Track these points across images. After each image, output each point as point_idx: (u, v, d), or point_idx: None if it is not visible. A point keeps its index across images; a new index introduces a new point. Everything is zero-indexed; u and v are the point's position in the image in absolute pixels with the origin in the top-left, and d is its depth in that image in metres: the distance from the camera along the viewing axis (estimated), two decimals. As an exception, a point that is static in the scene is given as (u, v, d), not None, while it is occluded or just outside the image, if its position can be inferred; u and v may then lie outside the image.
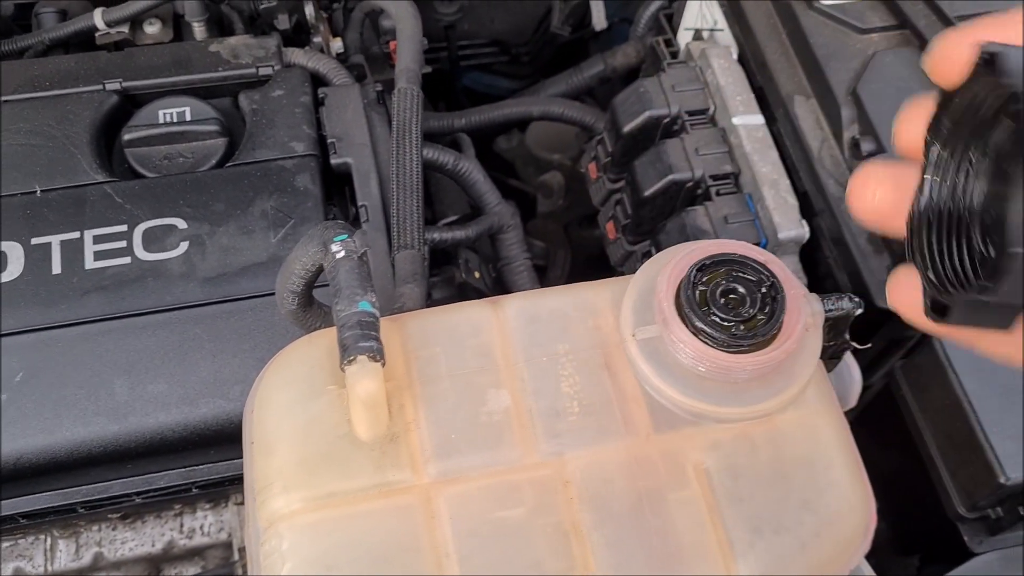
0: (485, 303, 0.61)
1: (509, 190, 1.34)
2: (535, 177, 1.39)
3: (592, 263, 1.24)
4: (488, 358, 0.57)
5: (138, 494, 0.82)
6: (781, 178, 0.82)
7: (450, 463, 0.54)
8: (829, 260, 0.82)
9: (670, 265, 0.57)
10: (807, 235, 0.81)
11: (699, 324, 0.54)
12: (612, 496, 0.53)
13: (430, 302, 0.97)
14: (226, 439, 0.76)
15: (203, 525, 0.95)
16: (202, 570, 0.95)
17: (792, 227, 0.80)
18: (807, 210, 0.82)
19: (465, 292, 0.97)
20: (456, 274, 0.96)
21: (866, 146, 0.78)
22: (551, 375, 0.57)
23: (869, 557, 0.63)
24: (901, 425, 0.73)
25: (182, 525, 0.95)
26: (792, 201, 0.81)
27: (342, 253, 0.58)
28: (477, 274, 0.95)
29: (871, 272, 0.77)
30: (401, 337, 0.58)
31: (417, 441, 0.54)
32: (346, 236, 0.59)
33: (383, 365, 0.54)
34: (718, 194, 0.83)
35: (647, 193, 0.85)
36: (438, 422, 0.55)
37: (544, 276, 1.21)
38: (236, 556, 0.93)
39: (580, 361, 0.57)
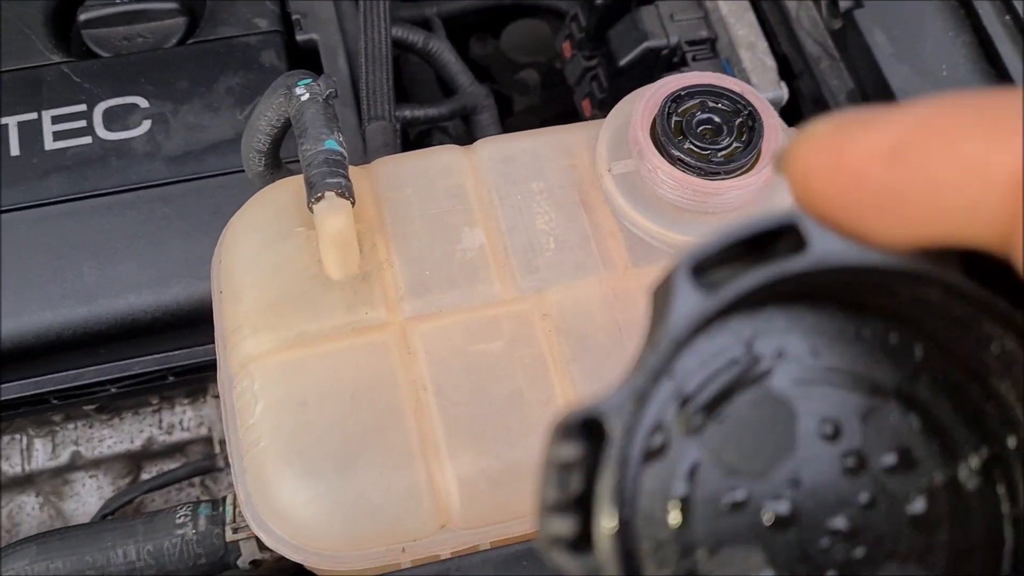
0: (456, 148, 0.59)
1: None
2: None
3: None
4: (461, 198, 0.56)
5: (112, 382, 0.80)
6: (759, 40, 0.80)
7: (425, 300, 0.53)
8: (809, 123, 0.80)
9: (644, 98, 0.55)
10: (786, 96, 0.79)
11: (675, 152, 0.53)
12: (591, 328, 0.52)
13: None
14: (201, 321, 0.74)
15: (182, 420, 0.94)
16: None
17: (770, 88, 0.78)
18: (787, 74, 0.81)
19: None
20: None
21: (844, 2, 0.76)
22: (526, 213, 0.55)
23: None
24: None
25: (161, 421, 0.94)
26: (770, 63, 0.80)
27: (306, 96, 0.56)
28: (452, 157, 0.93)
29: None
30: (370, 181, 0.57)
31: (391, 279, 0.53)
32: (310, 80, 0.57)
33: (352, 203, 0.52)
34: (695, 59, 0.81)
35: (623, 62, 0.83)
36: (411, 260, 0.54)
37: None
38: (217, 450, 0.92)
39: (555, 198, 0.56)
